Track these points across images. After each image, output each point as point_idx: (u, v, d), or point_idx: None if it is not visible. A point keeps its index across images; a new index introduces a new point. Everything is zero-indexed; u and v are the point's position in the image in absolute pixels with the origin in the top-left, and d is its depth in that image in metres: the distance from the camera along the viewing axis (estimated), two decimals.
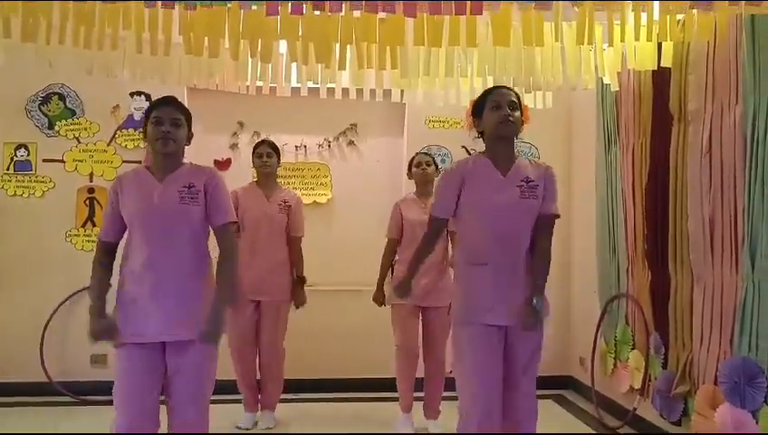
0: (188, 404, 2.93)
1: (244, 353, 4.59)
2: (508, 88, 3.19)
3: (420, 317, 4.59)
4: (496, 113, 3.08)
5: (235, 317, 4.47)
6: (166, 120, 2.93)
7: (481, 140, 3.30)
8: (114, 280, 3.02)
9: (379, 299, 4.66)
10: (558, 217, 3.23)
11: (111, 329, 2.90)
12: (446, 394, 4.52)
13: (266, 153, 4.64)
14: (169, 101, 3.03)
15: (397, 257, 4.65)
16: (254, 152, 4.71)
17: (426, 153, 4.77)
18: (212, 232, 3.08)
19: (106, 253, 3.04)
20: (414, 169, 4.66)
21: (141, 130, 3.08)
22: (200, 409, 2.95)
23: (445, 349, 4.49)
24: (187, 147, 3.08)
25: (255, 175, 4.82)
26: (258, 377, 4.71)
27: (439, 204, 3.26)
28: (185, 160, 3.09)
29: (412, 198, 4.70)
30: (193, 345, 2.89)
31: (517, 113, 3.11)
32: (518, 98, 3.16)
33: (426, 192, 4.61)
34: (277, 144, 4.79)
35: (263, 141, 4.75)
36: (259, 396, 4.72)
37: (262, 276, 4.53)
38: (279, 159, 4.74)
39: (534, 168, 3.20)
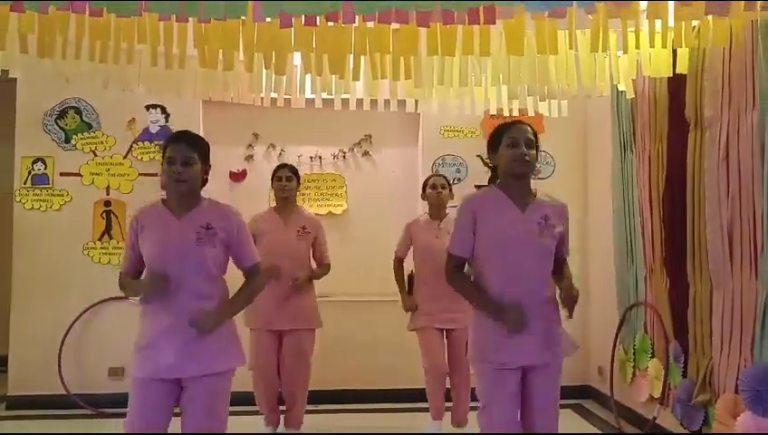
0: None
1: (268, 384, 4.52)
2: (526, 123, 3.11)
3: (445, 337, 4.60)
4: (512, 151, 3.00)
5: (260, 348, 4.45)
6: (177, 160, 2.91)
7: None
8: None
9: (408, 305, 4.63)
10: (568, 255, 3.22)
11: (160, 280, 2.88)
12: (473, 404, 4.48)
13: (286, 177, 4.59)
14: (182, 138, 2.99)
15: (416, 293, 4.65)
16: (273, 175, 4.65)
17: (440, 175, 4.78)
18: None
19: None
20: (429, 192, 4.66)
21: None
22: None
23: (469, 367, 4.47)
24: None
25: (273, 197, 4.77)
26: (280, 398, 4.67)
27: (457, 242, 3.12)
28: (204, 196, 3.07)
29: (425, 220, 4.70)
30: (206, 382, 2.89)
31: (533, 151, 3.03)
32: (535, 134, 3.07)
33: (439, 215, 4.63)
34: (293, 156, 4.80)
35: (283, 165, 4.69)
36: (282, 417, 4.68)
37: (282, 305, 4.45)
38: (299, 182, 4.70)
39: (552, 206, 3.11)
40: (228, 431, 3.00)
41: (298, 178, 4.68)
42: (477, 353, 3.07)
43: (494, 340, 2.99)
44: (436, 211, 4.64)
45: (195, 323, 2.85)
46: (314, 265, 4.70)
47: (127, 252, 3.07)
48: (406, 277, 4.75)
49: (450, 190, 4.65)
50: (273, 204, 4.82)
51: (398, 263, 4.75)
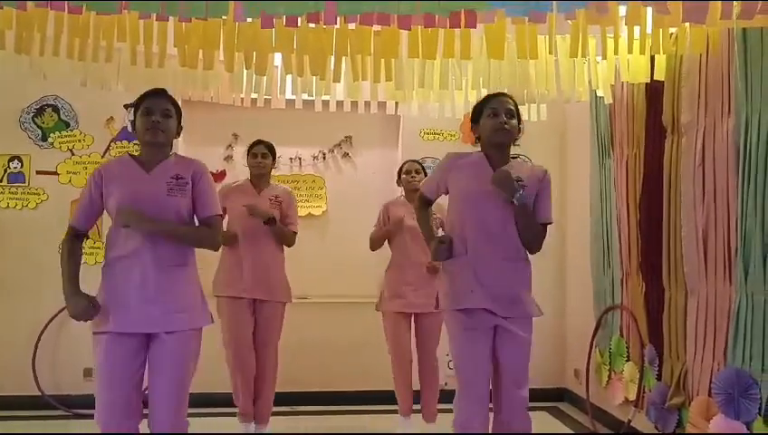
0: (167, 395, 2.87)
1: (243, 357, 4.40)
2: (507, 95, 3.21)
3: (412, 323, 4.62)
4: (493, 120, 3.13)
5: (232, 318, 4.36)
6: (156, 111, 2.93)
7: (474, 151, 3.34)
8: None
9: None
10: (550, 223, 3.25)
11: (90, 307, 2.86)
12: (441, 407, 4.50)
13: (261, 153, 4.55)
14: (159, 93, 3.01)
15: (388, 264, 4.69)
16: (249, 151, 4.62)
17: (415, 161, 4.79)
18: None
19: (76, 239, 3.04)
20: (403, 177, 4.70)
21: (131, 121, 3.05)
22: (179, 399, 2.90)
23: (436, 354, 4.56)
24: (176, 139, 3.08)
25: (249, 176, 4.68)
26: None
27: (428, 183, 3.47)
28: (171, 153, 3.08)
29: (402, 202, 4.76)
30: (176, 339, 2.86)
31: (513, 121, 3.15)
32: (516, 105, 3.19)
33: (413, 199, 4.61)
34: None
35: (259, 141, 4.64)
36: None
37: (255, 274, 4.39)
38: (274, 159, 4.66)
39: (529, 171, 3.23)
40: (208, 432, 2.97)
41: (274, 155, 4.64)
42: (448, 302, 3.17)
43: (462, 288, 3.10)
44: (411, 195, 4.63)
45: (124, 212, 2.81)
46: None
47: (82, 204, 3.00)
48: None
49: (425, 175, 4.65)
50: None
51: (372, 239, 4.73)
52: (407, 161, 4.80)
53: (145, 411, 2.93)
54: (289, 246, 4.60)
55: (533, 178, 3.19)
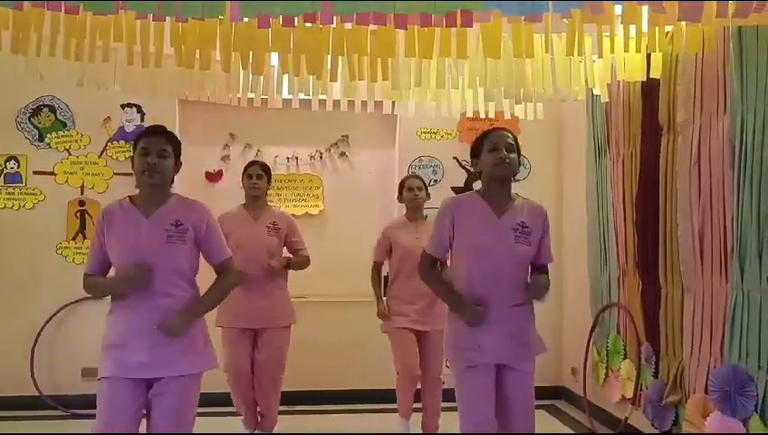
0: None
1: (241, 387, 4.43)
2: (506, 130, 3.17)
3: (416, 339, 4.54)
4: (493, 155, 3.08)
5: (231, 349, 4.36)
6: (152, 152, 2.88)
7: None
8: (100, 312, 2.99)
9: (383, 312, 4.58)
10: (551, 262, 3.24)
11: (135, 268, 2.83)
12: (444, 405, 4.50)
13: (257, 175, 4.49)
14: (157, 131, 2.98)
15: (391, 293, 4.60)
16: (244, 172, 4.56)
17: (416, 177, 4.73)
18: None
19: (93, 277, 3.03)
20: (405, 194, 4.61)
21: (131, 158, 3.01)
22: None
23: (441, 368, 4.48)
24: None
25: (244, 196, 4.62)
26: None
27: (433, 242, 3.23)
28: (173, 191, 3.06)
29: (402, 223, 4.65)
30: (175, 384, 2.86)
31: (513, 155, 3.09)
32: (515, 139, 3.14)
33: (416, 217, 4.59)
34: (269, 156, 4.75)
35: (254, 163, 4.61)
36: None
37: (255, 304, 4.35)
38: (270, 180, 4.58)
39: (529, 211, 3.16)
40: (208, 432, 2.96)
41: (269, 175, 4.57)
42: (452, 352, 3.14)
43: (467, 339, 3.05)
44: (413, 213, 4.60)
45: (165, 326, 2.81)
46: None
47: (92, 252, 3.01)
48: (381, 280, 4.71)
49: (426, 192, 4.62)
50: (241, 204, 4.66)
51: (377, 268, 4.68)
52: (408, 177, 4.76)
53: None
54: (305, 268, 4.62)
55: (534, 219, 3.15)
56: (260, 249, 4.41)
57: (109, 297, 2.99)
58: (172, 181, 3.03)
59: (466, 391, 3.07)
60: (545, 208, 3.24)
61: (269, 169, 4.60)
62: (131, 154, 3.00)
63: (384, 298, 4.62)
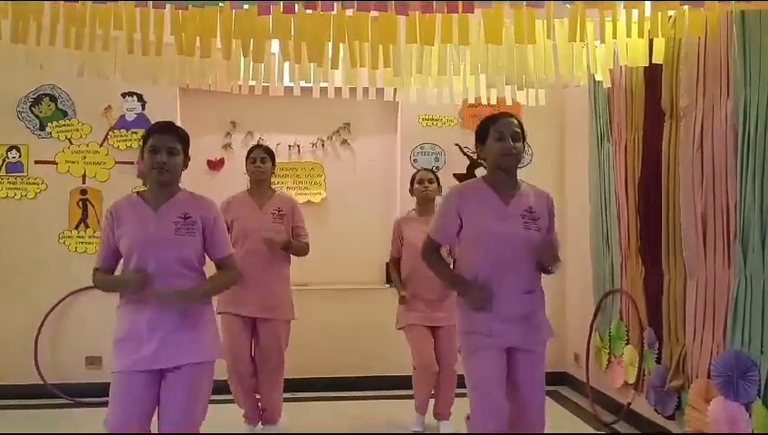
0: (178, 427, 2.89)
1: (240, 372, 4.37)
2: (513, 116, 3.15)
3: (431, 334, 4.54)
4: (499, 144, 3.06)
5: (230, 334, 4.30)
6: (162, 150, 2.91)
7: (472, 136, 3.31)
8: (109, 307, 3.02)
9: (401, 293, 4.54)
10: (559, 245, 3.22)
11: (137, 273, 2.88)
12: (456, 391, 4.50)
13: (260, 158, 4.45)
14: (166, 129, 3.01)
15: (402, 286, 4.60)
16: (247, 157, 4.52)
17: (428, 169, 4.73)
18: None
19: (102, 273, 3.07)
20: (416, 187, 4.60)
21: (139, 155, 3.06)
22: (191, 427, 2.92)
23: (455, 361, 4.45)
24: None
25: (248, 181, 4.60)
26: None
27: (437, 229, 3.23)
28: (180, 186, 3.09)
29: (414, 218, 4.64)
30: (186, 373, 2.89)
31: (520, 144, 3.08)
32: (521, 126, 3.13)
33: (427, 210, 4.56)
34: (271, 144, 4.72)
35: (257, 146, 4.58)
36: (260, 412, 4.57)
37: (257, 292, 4.31)
38: (274, 164, 4.54)
39: (536, 197, 3.16)
40: (209, 426, 2.99)
41: (273, 159, 4.54)
42: (463, 337, 3.14)
43: (479, 324, 3.06)
44: (424, 206, 4.59)
45: (161, 293, 2.83)
46: None
47: (102, 246, 3.05)
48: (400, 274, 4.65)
49: (438, 184, 4.60)
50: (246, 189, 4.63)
51: (394, 264, 4.67)
52: (419, 170, 4.75)
53: None
54: (304, 255, 4.57)
55: (541, 205, 3.15)
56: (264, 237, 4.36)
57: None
58: (179, 179, 3.07)
59: (478, 376, 3.07)
60: (551, 194, 3.24)
61: (273, 153, 4.57)
62: (135, 144, 3.02)
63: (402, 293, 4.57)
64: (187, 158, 3.05)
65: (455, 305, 3.26)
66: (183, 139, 3.02)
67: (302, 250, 4.54)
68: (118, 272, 3.07)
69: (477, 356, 3.07)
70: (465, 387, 3.15)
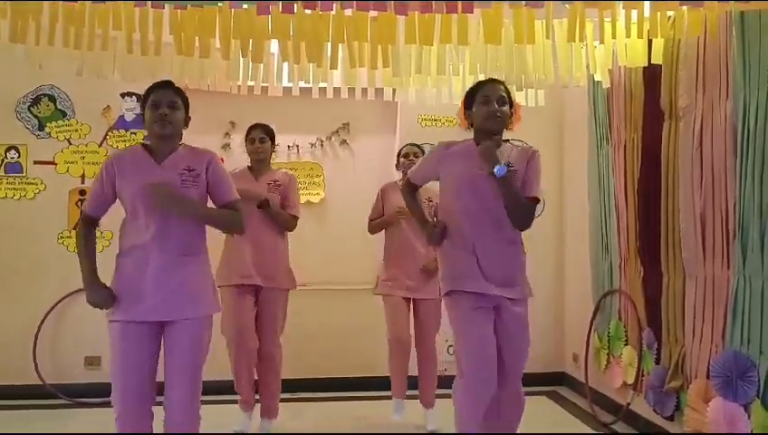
0: (181, 379, 2.95)
1: (244, 346, 4.29)
2: (498, 81, 3.23)
3: (411, 309, 4.61)
4: (485, 108, 3.16)
5: (232, 304, 4.23)
6: (163, 103, 2.99)
7: (472, 136, 3.34)
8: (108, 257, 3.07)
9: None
10: (537, 200, 3.26)
11: (108, 297, 2.96)
12: (440, 391, 4.52)
13: (259, 138, 4.47)
14: (166, 85, 3.08)
15: (383, 256, 4.68)
16: (246, 136, 4.54)
17: (414, 144, 4.77)
18: None
19: (91, 226, 3.10)
20: (402, 160, 4.69)
21: (140, 113, 3.11)
22: (193, 383, 2.98)
23: (435, 340, 4.55)
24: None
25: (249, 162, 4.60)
26: (255, 377, 4.50)
27: (417, 171, 3.49)
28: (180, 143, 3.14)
29: (399, 186, 4.62)
30: (189, 326, 2.95)
31: (505, 108, 3.17)
32: (507, 92, 3.22)
33: None
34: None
35: (256, 125, 4.57)
36: (257, 398, 4.53)
37: (255, 260, 4.31)
38: (273, 143, 4.56)
39: (518, 152, 3.26)
40: (209, 426, 3.02)
41: (273, 138, 4.56)
42: (447, 284, 3.23)
43: (464, 272, 3.15)
44: None
45: (160, 190, 2.88)
46: None
47: (95, 191, 3.06)
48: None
49: None
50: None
51: (371, 226, 4.76)
52: (406, 145, 4.79)
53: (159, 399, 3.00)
54: (290, 231, 4.50)
55: (522, 159, 3.23)
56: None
57: (118, 237, 3.07)
58: (181, 135, 3.12)
59: (465, 324, 3.15)
60: (538, 151, 3.30)
61: (272, 132, 4.58)
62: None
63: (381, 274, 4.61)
64: (187, 116, 3.12)
65: (436, 279, 3.35)
66: (182, 96, 3.10)
67: (284, 220, 4.45)
68: (110, 224, 3.16)
69: (467, 316, 3.14)
70: (450, 378, 3.24)
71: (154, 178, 2.95)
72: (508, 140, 3.33)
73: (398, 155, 4.77)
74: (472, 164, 3.18)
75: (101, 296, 2.96)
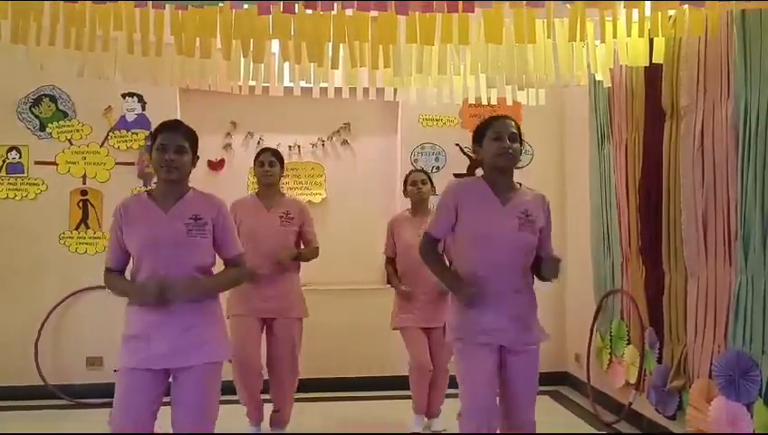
0: (187, 425, 2.88)
1: (246, 375, 4.30)
2: (510, 118, 3.17)
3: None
4: (496, 144, 3.07)
5: (238, 336, 4.19)
6: (170, 148, 2.90)
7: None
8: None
9: (405, 296, 4.54)
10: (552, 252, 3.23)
11: (152, 285, 2.85)
12: (450, 391, 4.51)
13: (269, 162, 4.40)
14: (174, 127, 3.00)
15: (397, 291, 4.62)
16: (255, 160, 4.48)
17: (420, 170, 4.74)
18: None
19: (116, 275, 3.05)
20: (409, 188, 4.61)
21: (148, 151, 3.04)
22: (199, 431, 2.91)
23: (448, 362, 4.48)
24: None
25: (256, 184, 4.57)
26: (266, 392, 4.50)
27: (436, 222, 3.22)
28: (189, 185, 3.07)
29: (406, 217, 4.65)
30: (197, 372, 2.88)
31: (516, 145, 3.10)
32: (518, 128, 3.14)
33: (421, 211, 4.58)
34: (271, 144, 4.71)
35: (266, 150, 4.53)
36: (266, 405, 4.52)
37: (267, 293, 4.29)
38: (282, 167, 4.50)
39: (533, 200, 3.17)
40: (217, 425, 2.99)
41: (282, 162, 4.50)
42: (455, 333, 3.15)
43: (470, 321, 3.07)
44: (418, 207, 4.59)
45: (168, 286, 2.81)
46: None
47: (112, 246, 3.01)
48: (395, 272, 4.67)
49: (431, 185, 4.61)
50: (254, 191, 4.63)
51: (390, 263, 4.68)
52: (411, 171, 4.75)
53: None
54: (315, 259, 4.54)
55: (537, 207, 3.15)
56: (272, 240, 4.32)
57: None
58: (188, 177, 3.05)
59: (469, 373, 3.08)
60: (548, 199, 3.24)
61: (281, 156, 4.52)
62: (136, 145, 3.01)
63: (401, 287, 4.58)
64: (195, 157, 3.03)
65: (446, 307, 3.27)
66: (191, 137, 3.00)
67: (313, 255, 4.52)
68: (127, 273, 3.04)
69: (469, 354, 3.08)
70: (456, 387, 3.16)
71: (161, 228, 2.89)
72: (520, 184, 3.24)
73: (405, 182, 4.68)
74: (489, 212, 3.09)
75: (149, 288, 2.83)
